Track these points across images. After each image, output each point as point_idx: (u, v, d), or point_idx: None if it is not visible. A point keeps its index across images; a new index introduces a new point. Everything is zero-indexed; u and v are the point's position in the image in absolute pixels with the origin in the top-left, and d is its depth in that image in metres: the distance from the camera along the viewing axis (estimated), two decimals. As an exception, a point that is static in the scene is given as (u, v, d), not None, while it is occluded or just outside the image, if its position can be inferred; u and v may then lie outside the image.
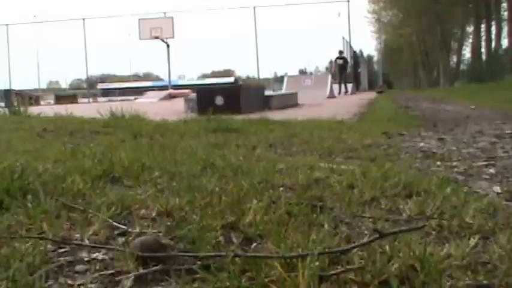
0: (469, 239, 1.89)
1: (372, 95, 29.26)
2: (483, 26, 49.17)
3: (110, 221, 2.01)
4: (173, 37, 36.05)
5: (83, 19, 46.02)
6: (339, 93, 27.15)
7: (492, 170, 3.75)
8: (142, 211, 2.16)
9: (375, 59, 78.07)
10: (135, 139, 5.17)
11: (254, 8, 44.21)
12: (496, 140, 5.78)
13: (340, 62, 29.08)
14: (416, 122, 9.21)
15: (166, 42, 35.58)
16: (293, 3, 64.44)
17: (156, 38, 35.13)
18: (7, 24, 46.98)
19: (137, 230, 1.93)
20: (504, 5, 47.32)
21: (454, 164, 4.06)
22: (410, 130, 7.06)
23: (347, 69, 30.27)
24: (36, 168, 2.73)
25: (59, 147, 4.19)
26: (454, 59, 61.92)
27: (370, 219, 2.18)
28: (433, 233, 2.01)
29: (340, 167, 3.36)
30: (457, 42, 61.08)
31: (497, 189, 3.07)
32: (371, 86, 47.84)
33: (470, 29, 55.62)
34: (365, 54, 62.71)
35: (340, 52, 31.04)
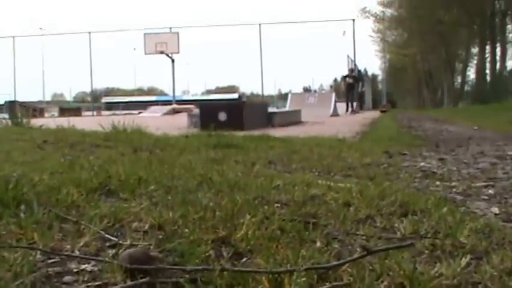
0: (462, 258, 1.88)
1: (375, 114, 29.27)
2: (488, 48, 49.24)
3: (102, 232, 2.00)
4: (178, 52, 36.24)
5: (89, 33, 46.32)
6: (346, 111, 27.09)
7: (491, 191, 3.73)
8: (135, 224, 2.16)
9: (379, 78, 78.17)
10: (134, 153, 5.17)
11: (260, 25, 44.47)
12: (497, 161, 5.76)
13: (350, 81, 28.89)
14: (419, 141, 9.20)
15: (171, 57, 35.74)
16: (298, 21, 64.69)
17: (161, 52, 35.29)
18: (13, 36, 47.26)
19: (128, 242, 1.92)
20: (509, 27, 47.54)
21: (453, 184, 4.05)
22: (412, 150, 7.05)
23: (356, 88, 30.02)
24: (31, 179, 2.73)
25: (58, 159, 4.19)
26: (459, 79, 61.92)
27: (363, 237, 2.17)
28: (426, 252, 2.00)
29: (338, 184, 3.36)
30: (462, 63, 61.07)
31: (496, 210, 3.05)
32: (375, 105, 47.83)
33: (475, 50, 55.66)
34: (369, 73, 62.89)
35: (351, 70, 30.99)
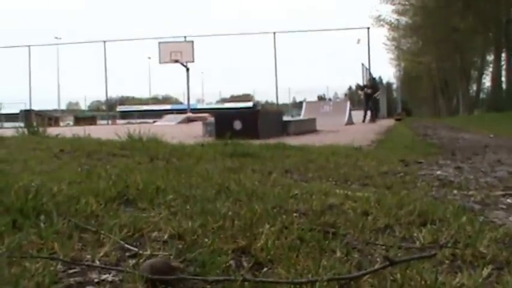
0: (483, 269, 1.87)
1: (390, 122, 29.18)
2: (503, 55, 48.93)
3: (122, 242, 2.01)
4: (193, 61, 36.31)
5: (104, 41, 46.62)
6: (363, 121, 26.98)
7: (510, 200, 3.71)
8: (155, 233, 2.16)
9: (394, 86, 77.90)
10: (151, 162, 5.18)
11: (274, 33, 44.52)
12: (514, 169, 5.72)
13: (369, 91, 28.68)
14: (434, 150, 9.17)
15: (186, 66, 35.79)
16: (313, 30, 64.67)
17: (176, 61, 35.35)
18: (29, 46, 47.60)
19: (148, 252, 1.92)
20: (525, 34, 47.22)
21: (471, 193, 4.03)
22: (428, 158, 7.02)
23: (374, 98, 29.69)
24: (50, 188, 2.74)
25: (75, 169, 4.21)
26: (474, 87, 61.65)
27: (383, 247, 2.16)
28: (446, 262, 1.99)
29: (355, 193, 3.35)
30: (477, 71, 60.81)
31: (514, 219, 3.03)
32: (390, 113, 47.71)
33: (490, 57, 55.39)
34: (384, 81, 62.61)
35: (371, 80, 30.88)
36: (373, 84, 30.02)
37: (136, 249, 1.96)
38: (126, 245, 1.99)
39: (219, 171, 4.45)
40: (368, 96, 28.45)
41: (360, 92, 31.07)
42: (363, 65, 40.86)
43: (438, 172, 5.38)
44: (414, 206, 2.85)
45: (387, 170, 5.28)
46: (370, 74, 37.25)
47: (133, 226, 2.19)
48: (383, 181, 4.47)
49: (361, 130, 17.02)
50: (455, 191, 4.10)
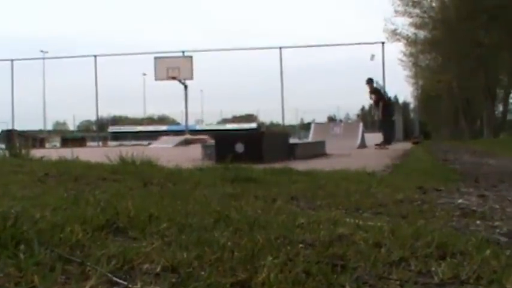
0: (508, 307, 1.86)
1: (407, 145, 29.19)
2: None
3: (110, 275, 2.00)
4: (192, 78, 36.49)
5: (95, 56, 46.84)
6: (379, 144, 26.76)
7: (539, 232, 3.69)
8: (146, 265, 2.15)
9: (411, 106, 78.10)
10: (144, 187, 5.19)
11: (280, 48, 44.67)
12: (543, 198, 5.70)
13: (373, 97, 28.27)
14: (456, 176, 9.15)
15: (184, 84, 35.97)
16: (322, 45, 64.64)
17: (173, 78, 35.53)
18: (12, 60, 47.75)
19: (139, 286, 1.91)
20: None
21: (496, 223, 4.01)
22: (449, 185, 7.00)
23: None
24: (32, 215, 2.73)
25: (61, 194, 4.21)
26: (500, 108, 61.74)
27: (397, 282, 2.15)
28: (468, 299, 1.97)
29: (367, 223, 3.34)
30: (503, 90, 60.94)
31: (544, 253, 3.01)
32: (406, 136, 47.76)
33: (518, 75, 55.57)
34: (400, 100, 62.75)
35: (375, 87, 30.66)
36: (377, 91, 27.60)
37: (125, 282, 1.95)
38: (115, 278, 1.98)
39: (219, 197, 4.45)
40: (376, 104, 26.39)
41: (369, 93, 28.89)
42: (377, 83, 40.93)
43: (459, 200, 5.36)
44: (432, 237, 2.84)
45: (403, 197, 5.26)
46: (384, 92, 37.15)
47: (123, 257, 2.18)
48: (398, 210, 4.46)
49: (374, 154, 17.02)
50: (478, 222, 4.08)
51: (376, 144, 24.00)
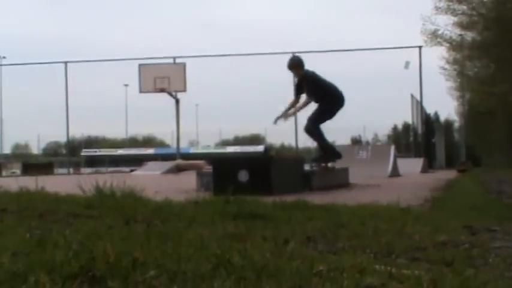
0: None
1: (451, 174, 29.17)
2: None
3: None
4: (185, 90, 36.43)
5: (65, 62, 46.73)
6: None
7: None
8: (129, 323, 2.16)
9: (456, 125, 78.08)
10: (126, 225, 5.20)
11: (293, 54, 44.67)
12: None
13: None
14: (513, 213, 9.13)
15: (175, 97, 35.98)
16: (343, 50, 64.54)
17: (162, 90, 35.49)
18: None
19: None
20: None
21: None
22: (505, 224, 6.98)
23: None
24: (-13, 262, 2.74)
25: (23, 235, 4.22)
26: None
27: None
28: None
29: (402, 271, 3.34)
30: None
31: None
32: (450, 162, 47.76)
33: None
34: (442, 118, 62.75)
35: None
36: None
37: None
38: None
39: (218, 238, 4.46)
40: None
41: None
42: (412, 96, 41.01)
43: (518, 244, 5.35)
44: (484, 290, 2.84)
45: (446, 239, 5.26)
46: (422, 108, 37.21)
47: (101, 313, 2.19)
48: (440, 255, 4.45)
49: (410, 184, 17.00)
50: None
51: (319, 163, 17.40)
